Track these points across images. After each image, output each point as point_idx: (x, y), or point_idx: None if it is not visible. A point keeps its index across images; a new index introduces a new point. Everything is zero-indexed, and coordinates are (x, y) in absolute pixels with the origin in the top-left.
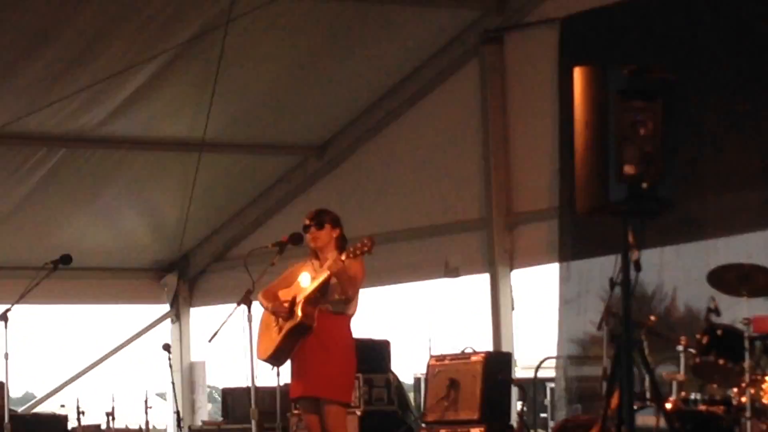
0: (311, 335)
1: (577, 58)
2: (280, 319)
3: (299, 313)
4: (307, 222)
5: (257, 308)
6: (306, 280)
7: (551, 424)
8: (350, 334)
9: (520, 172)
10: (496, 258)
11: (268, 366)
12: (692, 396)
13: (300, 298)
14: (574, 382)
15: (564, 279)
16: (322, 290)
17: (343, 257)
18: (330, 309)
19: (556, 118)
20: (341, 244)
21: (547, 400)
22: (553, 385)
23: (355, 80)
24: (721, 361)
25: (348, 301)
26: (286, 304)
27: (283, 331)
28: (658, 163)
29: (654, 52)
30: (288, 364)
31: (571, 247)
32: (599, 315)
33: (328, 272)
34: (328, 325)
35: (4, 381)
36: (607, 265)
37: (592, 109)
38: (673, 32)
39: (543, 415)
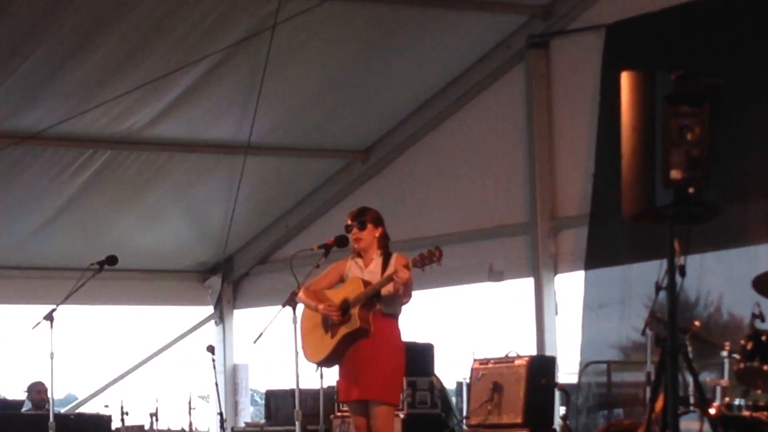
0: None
1: (622, 64)
2: (331, 322)
3: (357, 318)
4: (349, 222)
5: (301, 310)
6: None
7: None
8: (400, 334)
9: (565, 177)
10: (540, 262)
11: (312, 367)
12: (736, 402)
13: (354, 302)
14: (610, 388)
15: (589, 286)
16: (376, 295)
17: (409, 264)
18: (382, 311)
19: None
20: (384, 243)
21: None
22: (596, 390)
23: (400, 84)
24: (765, 367)
25: (402, 305)
26: (335, 309)
27: (339, 336)
28: (705, 168)
29: (700, 58)
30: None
31: (613, 253)
32: (641, 321)
33: (383, 283)
34: (381, 327)
35: (45, 381)
36: (648, 271)
37: (640, 113)
38: (719, 38)
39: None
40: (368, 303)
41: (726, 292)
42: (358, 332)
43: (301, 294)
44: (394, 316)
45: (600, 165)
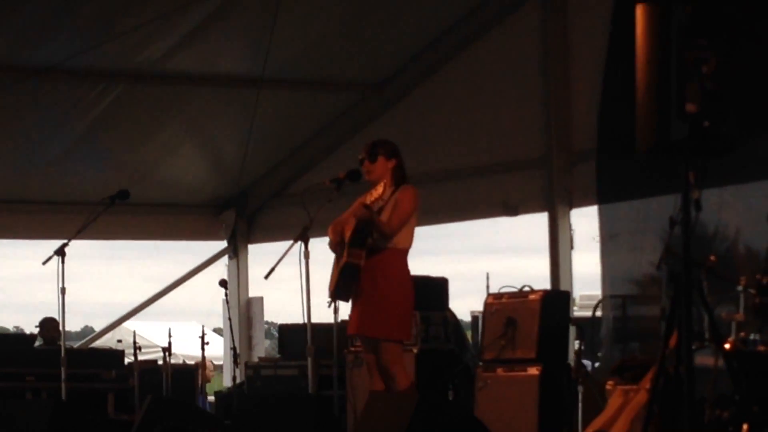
0: (365, 272)
1: None
2: (338, 256)
3: (346, 254)
4: (361, 155)
5: (314, 245)
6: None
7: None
8: (402, 267)
9: (581, 110)
10: (555, 196)
11: (326, 302)
12: (751, 336)
13: (349, 236)
14: (626, 322)
15: (604, 220)
16: (363, 231)
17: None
18: (379, 245)
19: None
20: (398, 175)
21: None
22: (613, 324)
23: (415, 17)
24: None
25: (388, 238)
26: (335, 242)
27: (336, 270)
28: (721, 102)
29: None
30: None
31: (629, 186)
32: (657, 255)
33: (365, 216)
34: (378, 261)
35: (56, 317)
36: (666, 205)
37: (654, 46)
38: None
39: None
40: (359, 237)
41: (743, 226)
42: (349, 268)
43: (329, 229)
44: (394, 249)
45: (607, 98)
